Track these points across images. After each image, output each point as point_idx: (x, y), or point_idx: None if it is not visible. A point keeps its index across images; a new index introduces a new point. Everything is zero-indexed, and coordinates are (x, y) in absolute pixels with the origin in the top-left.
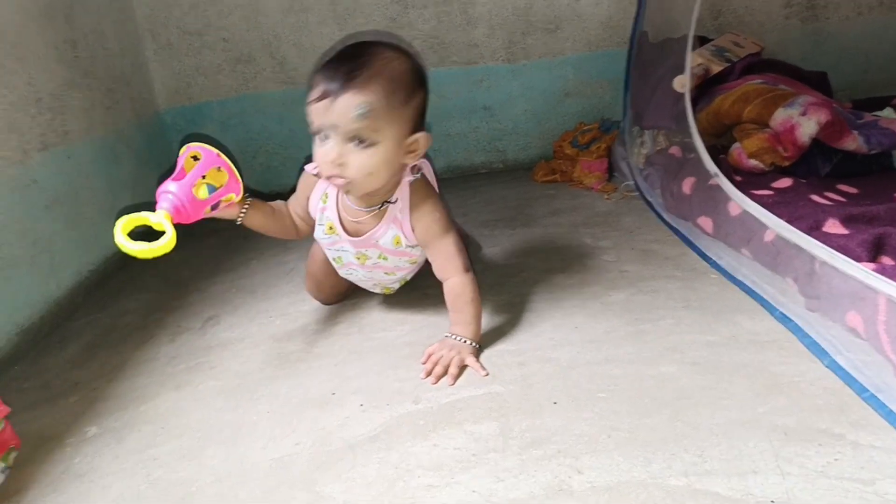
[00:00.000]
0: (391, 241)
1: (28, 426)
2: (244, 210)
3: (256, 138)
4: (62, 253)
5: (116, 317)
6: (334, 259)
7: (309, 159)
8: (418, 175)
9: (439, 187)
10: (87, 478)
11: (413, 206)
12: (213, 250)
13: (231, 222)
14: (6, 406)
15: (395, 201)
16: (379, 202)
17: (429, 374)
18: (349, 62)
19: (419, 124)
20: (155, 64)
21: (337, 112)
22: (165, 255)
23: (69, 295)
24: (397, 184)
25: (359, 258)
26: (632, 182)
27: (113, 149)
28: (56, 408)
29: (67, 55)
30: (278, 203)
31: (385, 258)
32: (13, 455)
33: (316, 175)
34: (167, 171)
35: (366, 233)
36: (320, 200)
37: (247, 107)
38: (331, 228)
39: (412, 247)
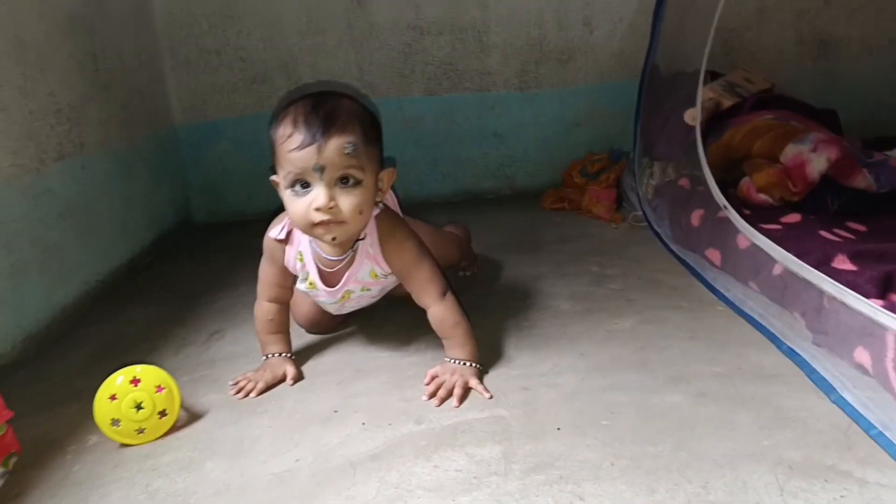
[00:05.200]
0: (368, 274)
1: (29, 432)
2: (292, 356)
3: (269, 156)
4: (72, 262)
5: (122, 327)
6: (323, 305)
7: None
8: (381, 206)
9: (404, 210)
10: (85, 485)
11: (383, 240)
12: (220, 265)
13: (241, 248)
14: (9, 410)
15: (365, 237)
16: (352, 244)
17: (432, 395)
18: (322, 109)
19: (382, 163)
20: (172, 80)
21: (327, 153)
22: (176, 268)
23: (76, 303)
24: (367, 221)
25: (343, 297)
26: (640, 212)
27: (127, 161)
28: (58, 415)
29: (88, 68)
30: (271, 306)
31: (368, 289)
32: (13, 460)
33: (281, 240)
34: None
35: (343, 276)
36: (297, 261)
37: (261, 125)
38: (311, 284)
39: (387, 275)
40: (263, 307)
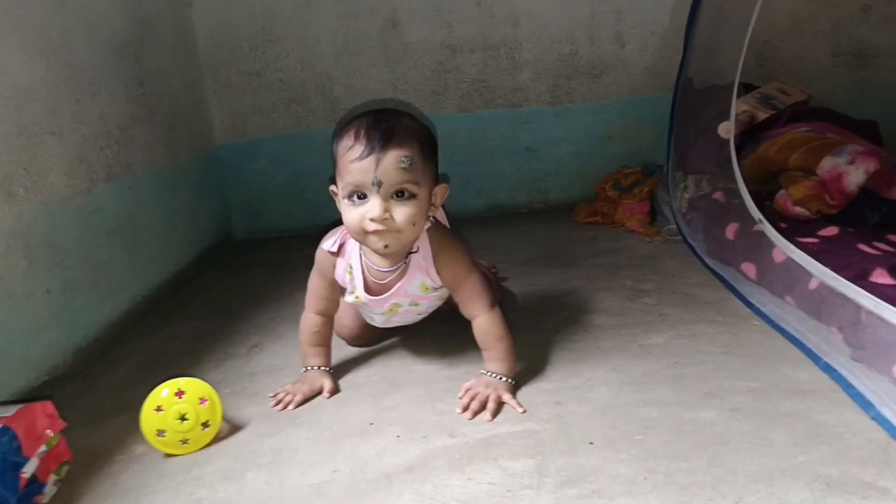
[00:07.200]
0: (419, 288)
1: (80, 441)
2: (330, 370)
3: (306, 174)
4: (119, 278)
5: (166, 341)
6: (369, 319)
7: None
8: (431, 220)
9: (452, 224)
10: (133, 494)
11: (435, 252)
12: (259, 280)
13: (280, 263)
14: (62, 421)
15: (417, 251)
16: (404, 256)
17: (465, 408)
18: (382, 124)
19: (437, 178)
20: (214, 101)
21: (384, 166)
22: (217, 283)
23: (123, 318)
24: (419, 232)
25: (391, 310)
26: (674, 226)
27: (171, 180)
28: (107, 426)
29: (135, 92)
30: (317, 318)
31: (416, 304)
32: (65, 468)
33: (333, 253)
34: None
35: (393, 287)
36: (346, 273)
37: (298, 144)
38: (357, 298)
39: (437, 288)
40: (310, 319)
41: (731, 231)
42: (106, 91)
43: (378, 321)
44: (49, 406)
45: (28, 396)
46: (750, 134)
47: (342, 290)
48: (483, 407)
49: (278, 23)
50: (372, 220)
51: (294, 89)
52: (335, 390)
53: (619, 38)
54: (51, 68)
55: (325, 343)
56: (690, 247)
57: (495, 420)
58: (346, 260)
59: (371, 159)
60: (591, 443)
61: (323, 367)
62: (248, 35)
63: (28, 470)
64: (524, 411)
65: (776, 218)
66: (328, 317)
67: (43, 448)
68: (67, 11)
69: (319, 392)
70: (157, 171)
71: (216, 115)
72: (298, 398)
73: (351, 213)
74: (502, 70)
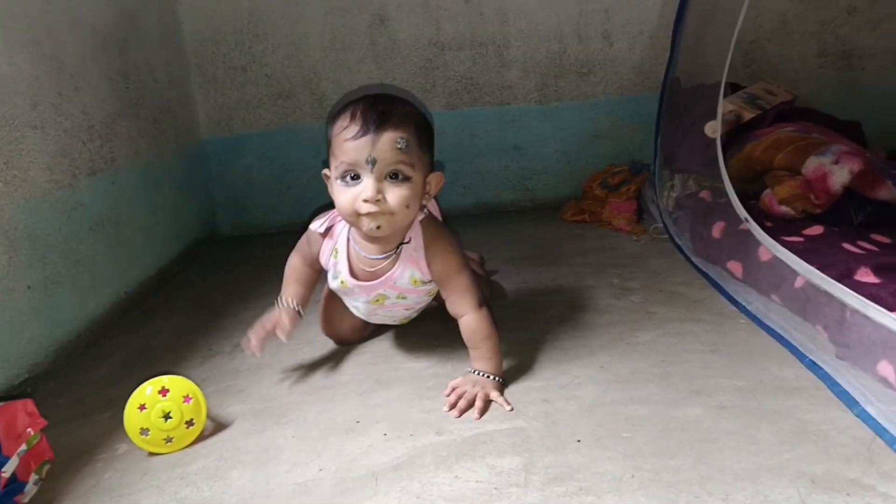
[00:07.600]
0: (408, 280)
1: (62, 440)
2: (299, 307)
3: (292, 170)
4: (102, 273)
5: (150, 338)
6: (353, 308)
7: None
8: (426, 212)
9: (445, 220)
10: (116, 493)
11: (427, 244)
12: (245, 277)
13: (265, 260)
14: (42, 419)
15: (409, 241)
16: (395, 245)
17: (452, 406)
18: (379, 106)
19: (432, 167)
20: (200, 96)
21: (379, 146)
22: (202, 279)
23: (106, 314)
24: (411, 223)
25: (377, 300)
26: (661, 224)
27: (155, 176)
28: (89, 423)
29: (119, 86)
30: (302, 270)
31: (404, 297)
32: (47, 467)
33: (322, 233)
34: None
35: (382, 276)
36: (331, 256)
37: (285, 140)
38: (343, 283)
39: (427, 282)
40: (293, 261)
41: (717, 230)
42: (89, 85)
43: (362, 311)
44: (30, 404)
45: (8, 394)
46: (736, 133)
47: (324, 274)
48: (470, 405)
49: (265, 18)
50: (365, 200)
51: (281, 85)
52: (288, 329)
53: (607, 36)
54: (33, 61)
55: (304, 279)
56: (677, 245)
57: (483, 418)
58: (332, 242)
59: (367, 139)
60: (579, 440)
61: (291, 300)
62: (235, 30)
63: (8, 469)
64: (512, 409)
65: (762, 217)
66: (310, 268)
67: (23, 447)
68: (51, 3)
69: (274, 329)
70: (141, 165)
71: (202, 110)
72: (254, 343)
73: (343, 194)
74: (490, 68)
